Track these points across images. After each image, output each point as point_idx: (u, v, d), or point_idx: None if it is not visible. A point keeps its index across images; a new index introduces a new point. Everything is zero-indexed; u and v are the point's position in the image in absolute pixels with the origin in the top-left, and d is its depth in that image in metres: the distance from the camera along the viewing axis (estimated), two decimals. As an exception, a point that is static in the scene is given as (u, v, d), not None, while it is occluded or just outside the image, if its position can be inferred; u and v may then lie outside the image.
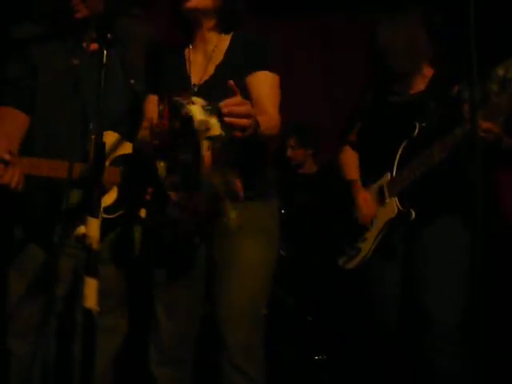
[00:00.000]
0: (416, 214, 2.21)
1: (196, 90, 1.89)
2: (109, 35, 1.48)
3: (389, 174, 2.32)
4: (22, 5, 2.13)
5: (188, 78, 1.93)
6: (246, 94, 1.81)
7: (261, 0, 3.05)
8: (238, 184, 1.61)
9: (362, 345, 2.57)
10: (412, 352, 2.21)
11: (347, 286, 2.85)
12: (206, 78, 1.91)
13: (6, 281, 1.99)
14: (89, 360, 1.40)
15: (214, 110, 1.50)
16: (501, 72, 2.19)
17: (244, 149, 1.71)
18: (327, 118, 4.23)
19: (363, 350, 2.52)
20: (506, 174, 2.89)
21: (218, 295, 1.86)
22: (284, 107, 1.90)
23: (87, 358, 1.40)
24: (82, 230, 1.41)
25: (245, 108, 1.51)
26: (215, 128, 1.48)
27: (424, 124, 2.25)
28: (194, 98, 1.56)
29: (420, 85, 2.35)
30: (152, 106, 1.94)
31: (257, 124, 1.59)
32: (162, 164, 1.67)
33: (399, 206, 2.27)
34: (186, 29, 1.98)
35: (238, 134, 1.53)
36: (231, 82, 1.52)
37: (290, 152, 4.11)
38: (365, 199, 2.38)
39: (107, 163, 1.89)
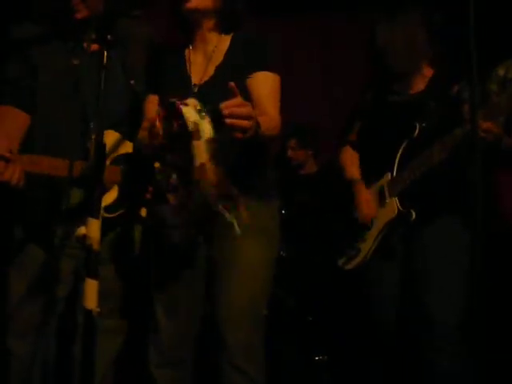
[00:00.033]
0: (416, 214, 2.21)
1: (196, 90, 1.89)
2: (109, 36, 1.48)
3: (389, 174, 2.32)
4: (22, 5, 2.13)
5: (188, 78, 1.93)
6: (247, 95, 1.81)
7: (261, 0, 3.05)
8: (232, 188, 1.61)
9: (361, 345, 2.56)
10: (411, 352, 2.21)
11: (347, 286, 2.85)
12: (206, 78, 1.91)
13: (6, 281, 1.99)
14: (89, 361, 1.40)
15: (208, 112, 1.49)
16: (501, 72, 2.19)
17: (244, 149, 1.71)
18: (327, 118, 4.24)
19: (363, 350, 2.52)
20: (505, 174, 2.89)
21: (218, 295, 1.86)
22: (284, 107, 1.90)
23: (87, 358, 1.40)
24: (82, 230, 1.41)
25: (246, 109, 1.51)
26: (206, 130, 1.47)
27: (424, 124, 2.25)
28: (189, 100, 1.56)
29: (420, 85, 2.35)
30: (152, 106, 1.94)
31: (258, 125, 1.59)
32: (159, 165, 1.68)
33: (399, 207, 2.27)
34: (186, 29, 1.98)
35: (239, 135, 1.52)
36: (232, 83, 1.52)
37: (290, 153, 4.11)
38: (366, 199, 2.38)
39: (108, 162, 1.89)
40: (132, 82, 2.01)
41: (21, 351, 1.94)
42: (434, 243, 2.20)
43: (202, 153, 1.47)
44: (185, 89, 1.89)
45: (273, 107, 1.86)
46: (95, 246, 1.39)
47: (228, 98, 1.51)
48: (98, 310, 1.39)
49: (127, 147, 1.98)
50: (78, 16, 1.94)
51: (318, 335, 3.41)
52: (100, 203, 1.43)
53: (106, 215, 1.88)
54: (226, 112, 1.47)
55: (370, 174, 2.42)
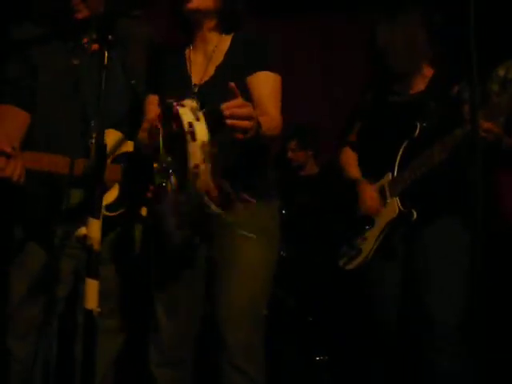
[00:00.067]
0: (417, 214, 2.21)
1: (196, 90, 1.89)
2: (109, 36, 1.48)
3: (390, 174, 2.32)
4: (22, 5, 2.13)
5: (188, 78, 1.93)
6: (247, 95, 1.81)
7: (261, 0, 3.05)
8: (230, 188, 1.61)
9: (362, 345, 2.56)
10: (412, 352, 2.21)
11: (347, 286, 2.85)
12: (206, 78, 1.91)
13: (6, 281, 1.99)
14: (90, 361, 1.40)
15: (207, 113, 1.49)
16: (501, 72, 2.19)
17: (245, 150, 1.71)
18: (327, 118, 4.24)
19: (363, 350, 2.52)
20: (506, 174, 2.89)
21: (218, 295, 1.86)
22: (284, 107, 1.90)
23: (88, 358, 1.40)
24: (83, 231, 1.41)
25: (246, 110, 1.51)
26: (202, 131, 1.47)
27: (425, 124, 2.25)
28: (185, 101, 1.56)
29: (420, 85, 2.35)
30: (152, 106, 1.94)
31: (259, 125, 1.60)
32: (157, 166, 1.68)
33: (400, 207, 2.27)
34: (186, 29, 1.98)
35: (240, 135, 1.52)
36: (232, 84, 1.52)
37: (290, 154, 4.12)
38: (370, 195, 2.37)
39: (109, 161, 1.89)
40: (133, 81, 2.01)
41: (21, 353, 1.94)
42: (435, 243, 2.20)
43: (196, 154, 1.47)
44: (185, 89, 1.89)
45: (274, 107, 1.86)
46: (96, 247, 1.39)
47: (228, 97, 1.51)
48: (99, 310, 1.39)
49: (128, 146, 1.98)
50: (79, 16, 1.94)
51: (319, 335, 3.41)
52: (101, 203, 1.43)
53: (107, 214, 1.88)
54: (226, 113, 1.48)
55: (371, 174, 2.42)
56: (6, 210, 2.07)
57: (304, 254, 3.62)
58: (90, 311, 1.37)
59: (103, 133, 1.48)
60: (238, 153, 1.72)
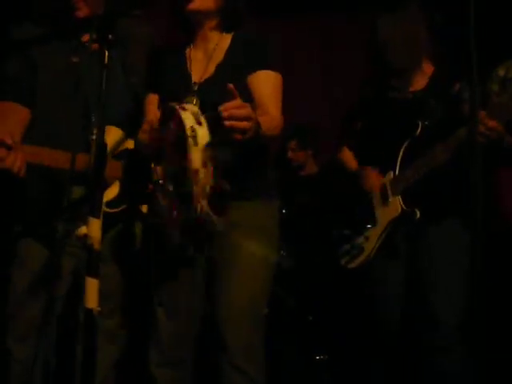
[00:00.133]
0: (420, 213, 2.20)
1: (196, 88, 1.89)
2: (110, 36, 1.48)
3: (391, 173, 2.31)
4: (22, 5, 2.13)
5: (189, 76, 1.93)
6: (248, 94, 1.81)
7: (261, 0, 3.05)
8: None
9: (362, 345, 2.56)
10: (413, 352, 2.21)
11: (348, 285, 2.85)
12: (206, 76, 1.91)
13: (6, 281, 1.99)
14: (89, 360, 1.39)
15: (207, 117, 1.50)
16: (501, 72, 2.19)
17: (244, 149, 1.71)
18: (327, 118, 4.24)
19: (364, 349, 2.52)
20: (506, 174, 2.89)
21: (218, 295, 1.86)
22: (284, 107, 1.90)
23: (88, 358, 1.39)
24: (83, 230, 1.41)
25: (245, 111, 1.51)
26: (203, 136, 1.48)
27: (427, 122, 2.25)
28: (187, 105, 1.57)
29: (420, 81, 2.34)
30: (152, 106, 1.94)
31: (258, 125, 1.59)
32: (156, 169, 1.68)
33: (403, 206, 2.26)
34: (187, 29, 1.98)
35: (239, 136, 1.53)
36: (230, 85, 1.52)
37: (290, 154, 4.12)
38: (375, 174, 2.37)
39: (109, 158, 1.89)
40: (133, 80, 2.01)
41: (21, 354, 1.93)
42: (439, 242, 2.20)
43: (197, 158, 1.48)
44: (185, 87, 1.89)
45: (275, 107, 1.86)
46: (96, 246, 1.39)
47: (228, 96, 1.51)
48: (99, 309, 1.39)
49: (129, 143, 1.98)
50: (80, 14, 1.94)
51: (319, 335, 3.41)
52: (101, 203, 1.43)
53: (108, 210, 1.88)
54: (224, 114, 1.48)
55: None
56: (6, 208, 2.07)
57: (304, 253, 3.62)
58: (90, 310, 1.37)
59: (104, 128, 1.48)
60: (238, 152, 1.72)
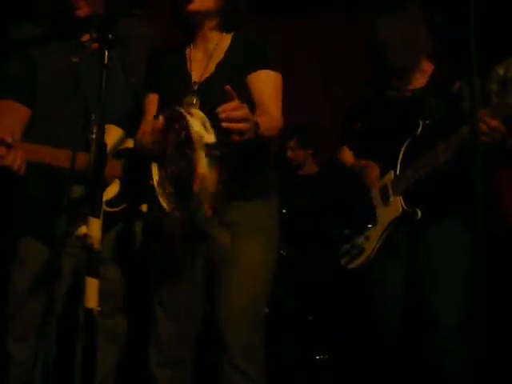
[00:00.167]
0: (421, 213, 2.20)
1: (196, 88, 1.89)
2: (110, 36, 1.48)
3: (392, 173, 2.31)
4: (22, 5, 2.13)
5: (189, 76, 1.93)
6: (248, 93, 1.81)
7: (261, 0, 3.05)
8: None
9: (362, 345, 2.56)
10: (413, 352, 2.21)
11: (348, 285, 2.85)
12: (206, 75, 1.91)
13: (6, 281, 1.99)
14: (89, 360, 1.39)
15: (214, 126, 1.51)
16: (501, 71, 2.19)
17: (244, 149, 1.71)
18: (327, 118, 4.24)
19: (364, 350, 2.52)
20: (506, 174, 2.89)
21: (218, 295, 1.86)
22: (284, 107, 1.90)
23: (88, 357, 1.40)
24: (83, 230, 1.41)
25: (242, 112, 1.51)
26: (210, 141, 1.49)
27: (427, 122, 2.24)
28: (193, 110, 1.58)
29: (419, 80, 2.34)
30: (152, 106, 1.94)
31: (256, 126, 1.60)
32: (157, 170, 1.69)
33: (404, 206, 2.26)
34: (187, 29, 1.98)
35: (237, 138, 1.53)
36: (228, 86, 1.52)
37: (290, 153, 4.12)
38: (374, 167, 2.37)
39: (109, 156, 1.89)
40: (133, 80, 2.01)
41: (21, 356, 1.93)
42: (439, 243, 2.20)
43: (203, 163, 1.49)
44: (185, 87, 1.89)
45: (275, 107, 1.86)
46: (96, 246, 1.39)
47: (227, 96, 1.52)
48: (99, 309, 1.39)
49: (129, 143, 1.99)
50: (80, 13, 1.94)
51: (319, 335, 3.41)
52: (101, 203, 1.43)
53: (108, 209, 1.88)
54: (222, 116, 1.48)
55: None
56: (6, 208, 2.07)
57: (304, 253, 3.62)
58: (90, 310, 1.37)
59: (104, 128, 1.48)
60: (238, 152, 1.72)
